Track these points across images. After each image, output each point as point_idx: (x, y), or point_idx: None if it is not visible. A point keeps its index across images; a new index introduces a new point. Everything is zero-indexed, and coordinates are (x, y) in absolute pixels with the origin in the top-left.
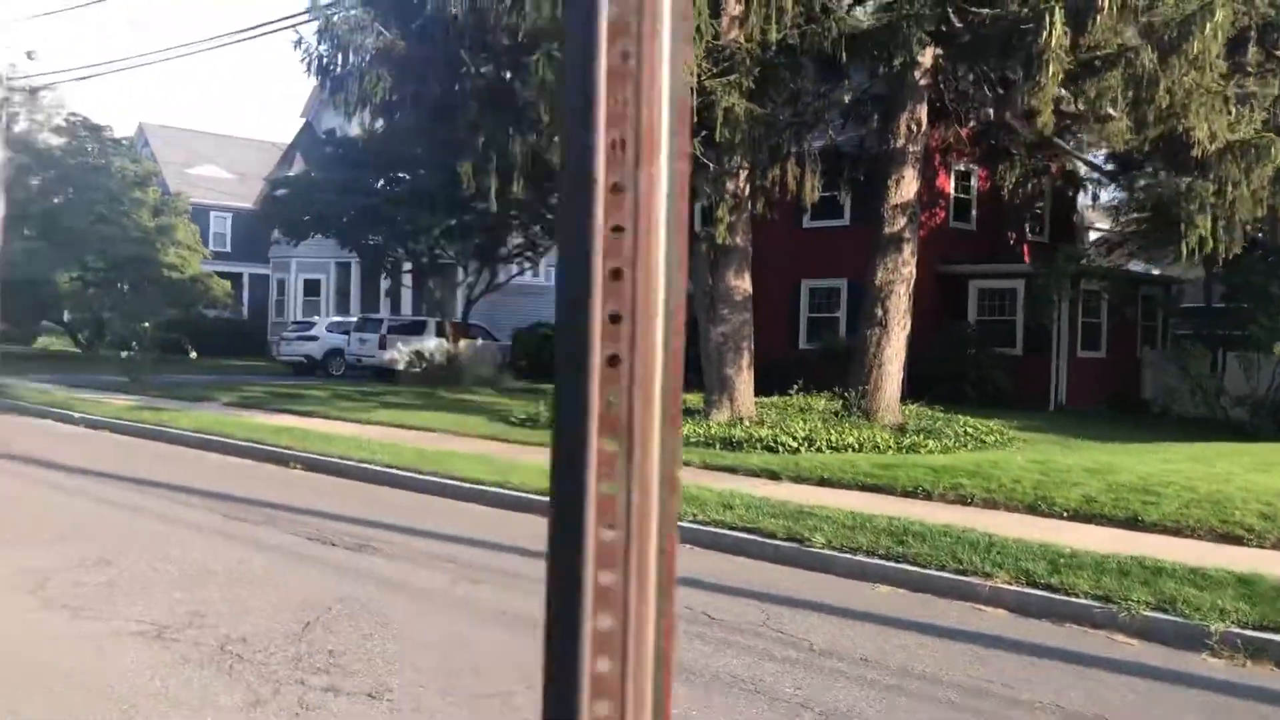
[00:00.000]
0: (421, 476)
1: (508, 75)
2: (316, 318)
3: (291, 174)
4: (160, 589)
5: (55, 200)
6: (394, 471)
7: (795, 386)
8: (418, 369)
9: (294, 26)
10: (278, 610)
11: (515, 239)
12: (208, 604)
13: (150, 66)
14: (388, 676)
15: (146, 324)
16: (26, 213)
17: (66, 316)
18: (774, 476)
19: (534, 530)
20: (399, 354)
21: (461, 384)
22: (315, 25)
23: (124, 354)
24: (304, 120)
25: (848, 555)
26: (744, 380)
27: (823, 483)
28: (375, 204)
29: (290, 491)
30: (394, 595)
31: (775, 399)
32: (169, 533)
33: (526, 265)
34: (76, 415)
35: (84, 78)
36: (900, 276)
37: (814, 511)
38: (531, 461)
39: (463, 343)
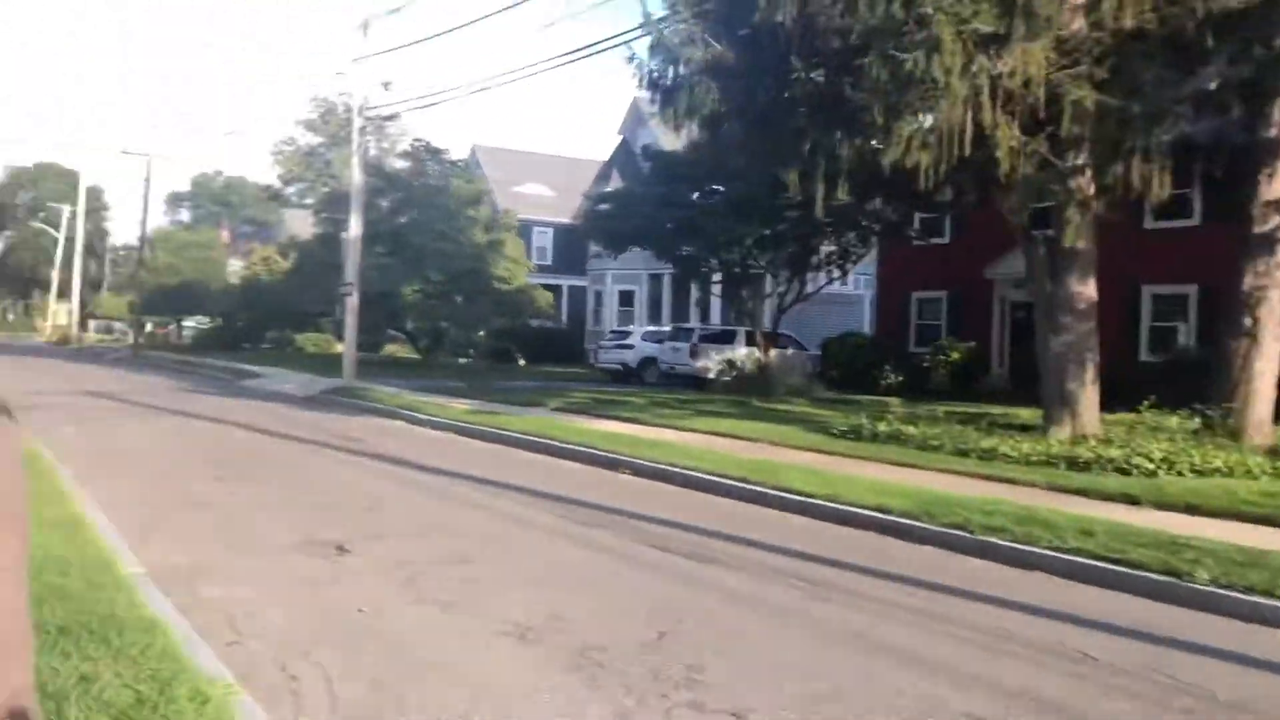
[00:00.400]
0: (749, 486)
1: (836, 79)
2: (632, 327)
3: (610, 189)
4: (516, 588)
5: (401, 219)
6: (721, 480)
7: (1146, 402)
8: (728, 378)
9: (626, 43)
10: (629, 617)
11: (827, 247)
12: (562, 606)
13: (480, 91)
14: (748, 696)
15: (482, 333)
16: (378, 232)
17: (409, 326)
18: (1132, 501)
19: (874, 547)
20: (710, 362)
21: (773, 394)
22: (647, 41)
23: (461, 360)
24: (620, 138)
25: (1239, 594)
26: (1088, 395)
27: (1191, 510)
28: (690, 216)
29: (621, 496)
30: (741, 608)
31: (1121, 416)
32: (516, 533)
33: (835, 274)
34: (423, 417)
35: (425, 106)
36: (1273, 281)
37: (1189, 543)
38: (859, 475)
39: (773, 352)
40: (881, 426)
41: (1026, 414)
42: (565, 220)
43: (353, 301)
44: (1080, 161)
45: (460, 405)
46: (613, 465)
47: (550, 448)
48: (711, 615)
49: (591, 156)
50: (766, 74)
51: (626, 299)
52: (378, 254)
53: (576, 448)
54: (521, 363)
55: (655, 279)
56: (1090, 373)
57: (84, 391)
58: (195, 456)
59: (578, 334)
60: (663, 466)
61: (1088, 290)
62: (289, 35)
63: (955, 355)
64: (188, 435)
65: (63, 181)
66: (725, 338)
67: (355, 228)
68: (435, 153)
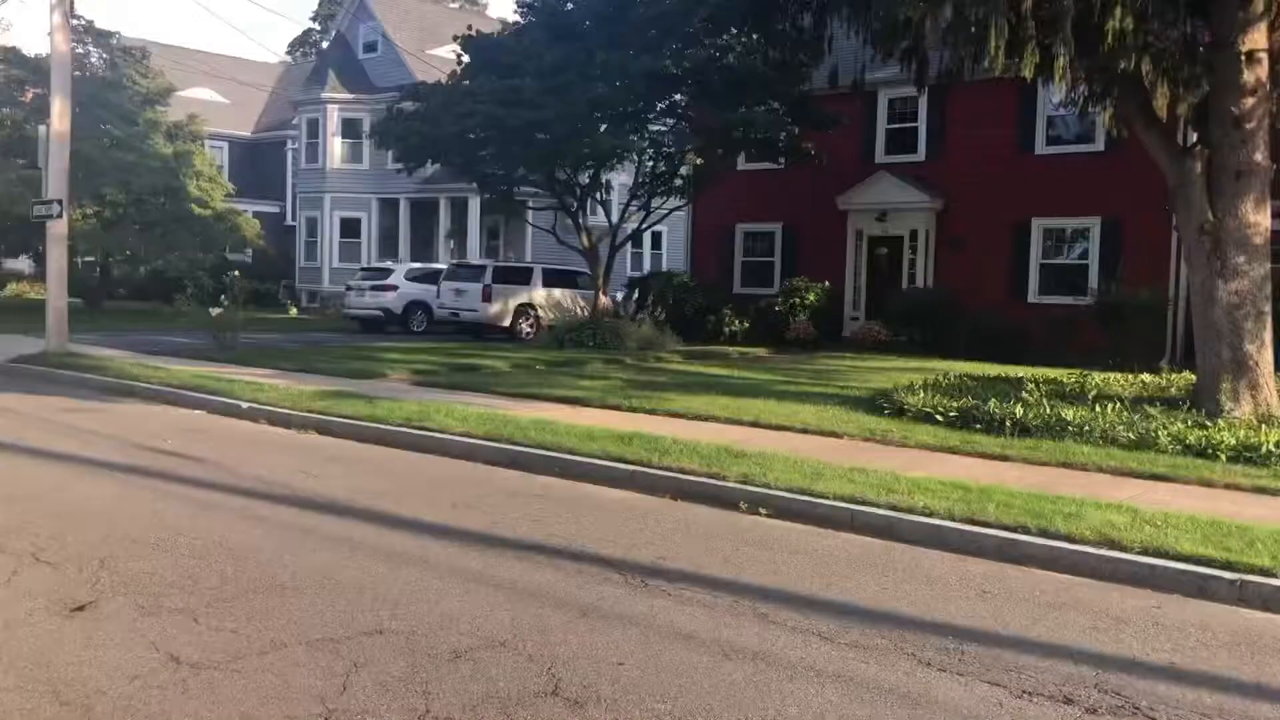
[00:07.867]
0: (991, 531)
1: None
2: (392, 263)
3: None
4: None
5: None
6: (937, 523)
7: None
8: (555, 326)
9: None
10: None
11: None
12: None
13: None
14: None
15: (236, 272)
16: (23, 135)
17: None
18: None
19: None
20: (506, 307)
21: (623, 347)
22: None
23: (213, 311)
24: (335, 32)
25: None
26: (1266, 360)
27: None
28: (543, 119)
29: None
30: None
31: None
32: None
33: (679, 200)
34: (240, 404)
35: None
36: None
37: None
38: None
39: (603, 297)
40: (1018, 411)
41: (1177, 381)
42: (244, 133)
43: (58, 228)
44: (1255, 45)
45: (277, 382)
46: (729, 502)
47: (515, 456)
48: None
49: (262, 58)
50: None
51: (351, 229)
52: (20, 166)
53: (577, 458)
54: (294, 312)
55: (388, 205)
56: (1269, 331)
57: None
58: None
59: (279, 270)
60: (823, 501)
61: (1263, 220)
62: None
63: (812, 298)
64: None
65: None
66: (520, 277)
67: (60, 115)
68: (102, 36)
